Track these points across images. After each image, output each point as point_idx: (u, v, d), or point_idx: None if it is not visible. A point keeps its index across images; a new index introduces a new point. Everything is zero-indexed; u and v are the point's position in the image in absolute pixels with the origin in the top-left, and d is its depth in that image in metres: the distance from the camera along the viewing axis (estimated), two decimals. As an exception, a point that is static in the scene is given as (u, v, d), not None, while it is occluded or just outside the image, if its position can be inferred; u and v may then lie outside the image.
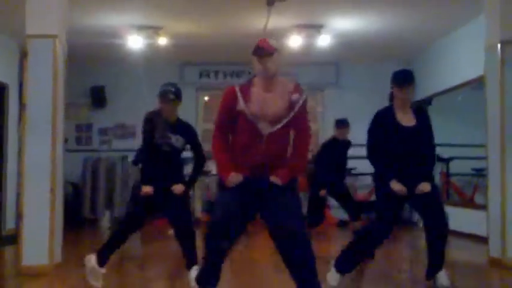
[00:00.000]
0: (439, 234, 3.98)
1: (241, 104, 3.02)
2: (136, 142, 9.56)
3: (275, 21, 6.95)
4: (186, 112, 9.73)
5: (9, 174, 7.73)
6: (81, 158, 9.13)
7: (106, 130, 9.68)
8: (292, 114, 3.02)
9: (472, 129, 7.49)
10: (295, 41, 7.65)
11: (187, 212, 4.27)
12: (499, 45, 5.13)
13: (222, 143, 3.14)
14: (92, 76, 9.46)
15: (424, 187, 3.90)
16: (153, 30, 7.54)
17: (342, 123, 6.16)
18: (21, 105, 5.11)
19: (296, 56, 7.99)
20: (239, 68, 9.58)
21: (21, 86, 6.62)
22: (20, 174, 5.30)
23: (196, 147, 4.34)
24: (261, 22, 7.03)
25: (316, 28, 7.43)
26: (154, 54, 8.35)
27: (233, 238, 3.09)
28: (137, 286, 4.46)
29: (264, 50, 2.98)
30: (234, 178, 3.02)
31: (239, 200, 3.03)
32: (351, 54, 8.87)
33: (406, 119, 3.99)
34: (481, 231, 5.81)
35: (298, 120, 3.06)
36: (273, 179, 3.02)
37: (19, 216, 4.95)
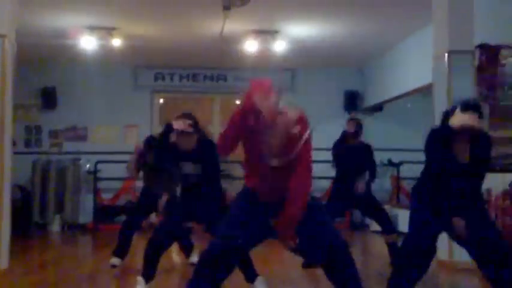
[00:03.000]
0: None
1: (254, 119, 2.77)
2: (88, 145, 9.40)
3: (231, 25, 6.97)
4: (140, 115, 9.57)
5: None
6: (30, 160, 8.86)
7: (57, 132, 9.42)
8: (296, 149, 2.74)
9: (421, 134, 7.68)
10: (251, 46, 7.70)
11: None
12: (446, 55, 5.32)
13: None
14: (42, 77, 9.18)
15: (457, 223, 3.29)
16: (106, 31, 7.39)
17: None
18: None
19: (253, 60, 8.04)
20: (195, 71, 9.54)
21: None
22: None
23: (205, 165, 3.82)
24: (217, 26, 7.04)
25: (271, 34, 7.50)
26: (108, 56, 8.20)
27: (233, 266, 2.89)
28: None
29: (260, 94, 2.70)
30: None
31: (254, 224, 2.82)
32: (305, 60, 8.98)
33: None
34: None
35: (299, 156, 2.75)
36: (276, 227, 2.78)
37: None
